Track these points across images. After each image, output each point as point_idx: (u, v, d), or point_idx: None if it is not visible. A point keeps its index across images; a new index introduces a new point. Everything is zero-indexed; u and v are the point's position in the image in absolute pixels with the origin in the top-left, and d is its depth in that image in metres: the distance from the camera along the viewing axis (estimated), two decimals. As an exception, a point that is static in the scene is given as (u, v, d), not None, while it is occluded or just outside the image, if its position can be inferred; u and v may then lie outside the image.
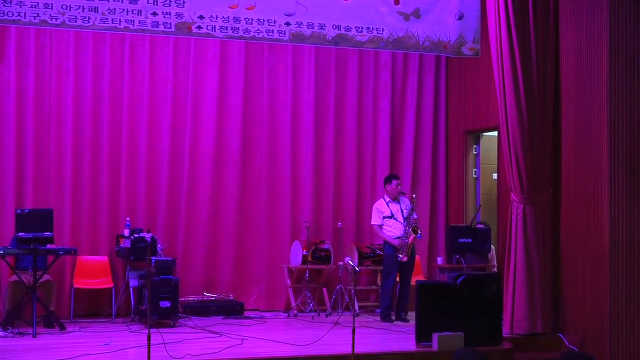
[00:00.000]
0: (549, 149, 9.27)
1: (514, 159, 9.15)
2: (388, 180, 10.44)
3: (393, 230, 10.22)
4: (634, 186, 8.54)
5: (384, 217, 10.27)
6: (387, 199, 10.35)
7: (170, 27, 9.02)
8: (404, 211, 10.24)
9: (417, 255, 10.72)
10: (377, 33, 9.77)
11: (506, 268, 9.25)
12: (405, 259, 10.08)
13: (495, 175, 11.05)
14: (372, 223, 10.49)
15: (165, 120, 10.80)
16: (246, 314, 10.50)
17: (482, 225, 10.82)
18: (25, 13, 8.54)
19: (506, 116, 9.18)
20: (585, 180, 8.86)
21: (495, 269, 10.55)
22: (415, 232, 10.11)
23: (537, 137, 9.16)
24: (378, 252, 10.84)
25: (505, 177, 9.62)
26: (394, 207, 10.29)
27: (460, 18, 10.06)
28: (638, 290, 8.46)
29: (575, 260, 9.01)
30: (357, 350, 7.14)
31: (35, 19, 8.64)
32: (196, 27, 9.11)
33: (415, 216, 10.32)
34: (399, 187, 10.37)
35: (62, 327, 9.08)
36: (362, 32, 9.69)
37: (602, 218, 8.56)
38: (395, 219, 10.23)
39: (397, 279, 10.30)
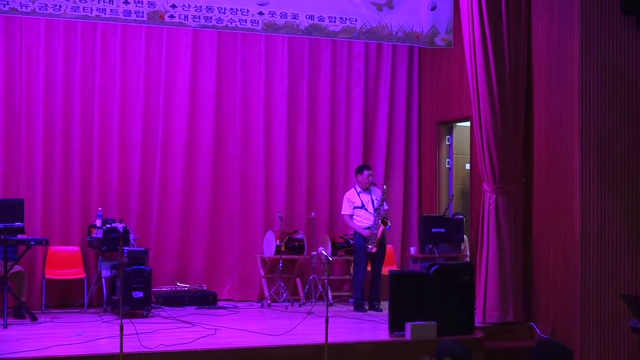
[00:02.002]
0: (521, 139, 9.33)
1: (486, 150, 9.19)
2: (359, 170, 10.45)
3: (363, 220, 10.24)
4: (604, 176, 8.60)
5: (354, 207, 10.29)
6: (358, 189, 10.37)
7: (143, 16, 8.96)
8: (375, 202, 10.25)
9: (389, 245, 10.75)
10: (351, 23, 9.77)
11: (478, 258, 9.31)
12: (374, 249, 10.11)
13: (468, 166, 11.09)
14: (342, 213, 10.52)
15: (137, 111, 10.72)
16: (219, 304, 10.47)
17: (460, 216, 10.88)
18: (-6, 1, 8.44)
19: (478, 107, 9.22)
20: (556, 171, 8.93)
21: (468, 259, 10.60)
22: (384, 223, 10.14)
23: (509, 128, 9.22)
24: (351, 242, 10.84)
25: (477, 168, 9.66)
26: (365, 198, 10.30)
27: (433, 9, 10.08)
28: (608, 280, 8.54)
29: (546, 249, 9.08)
30: (331, 339, 7.14)
31: (4, 6, 8.55)
32: (169, 16, 9.05)
33: (386, 207, 10.34)
34: (371, 178, 10.38)
35: (34, 318, 9.00)
36: (335, 22, 9.69)
37: (573, 208, 8.63)
38: (365, 209, 10.24)
39: (369, 268, 10.33)
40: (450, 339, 4.75)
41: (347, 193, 10.54)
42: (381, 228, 10.12)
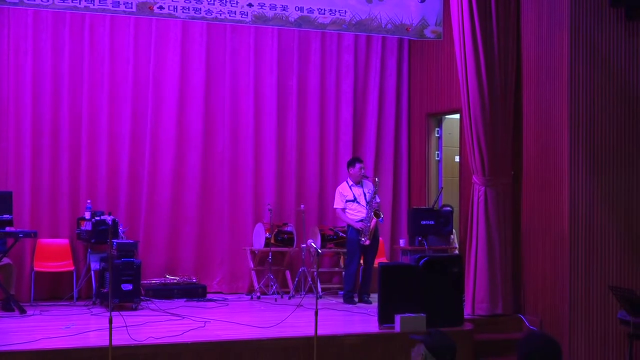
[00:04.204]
0: (510, 131, 9.36)
1: (475, 142, 9.22)
2: (351, 163, 10.46)
3: (356, 213, 10.25)
4: (593, 169, 8.65)
5: (346, 201, 10.30)
6: (350, 182, 10.38)
7: (131, 7, 8.93)
8: (367, 195, 10.26)
9: (380, 238, 10.77)
10: (340, 15, 9.76)
11: (467, 250, 9.35)
12: (367, 242, 10.11)
13: (457, 158, 11.11)
14: (334, 206, 10.51)
15: (126, 102, 10.70)
16: (209, 296, 10.48)
17: (449, 208, 10.92)
18: (-18, -8, 8.41)
19: (468, 99, 9.24)
20: (545, 163, 8.96)
21: (457, 251, 10.64)
22: (377, 215, 10.15)
23: (499, 120, 9.25)
24: (341, 234, 10.88)
25: (467, 160, 9.69)
26: (357, 191, 10.31)
27: (422, 1, 10.08)
28: (597, 272, 8.59)
29: (535, 242, 9.12)
30: (320, 332, 7.17)
31: (-8, -2, 8.51)
32: (158, 8, 9.02)
33: (377, 200, 10.35)
34: (363, 171, 10.39)
35: (22, 311, 8.99)
36: (324, 14, 9.68)
37: (562, 200, 8.67)
38: (358, 202, 10.26)
39: (361, 261, 10.36)
40: (435, 330, 4.76)
41: (339, 187, 10.53)
42: (374, 220, 10.13)
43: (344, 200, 10.31)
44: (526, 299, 9.25)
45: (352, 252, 10.26)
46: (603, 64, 8.72)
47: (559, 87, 8.76)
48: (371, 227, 10.12)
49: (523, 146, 9.35)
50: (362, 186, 10.36)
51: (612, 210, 8.70)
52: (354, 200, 10.28)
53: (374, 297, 9.31)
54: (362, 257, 10.31)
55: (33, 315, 8.95)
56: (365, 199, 10.25)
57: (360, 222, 10.16)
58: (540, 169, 9.05)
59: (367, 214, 10.16)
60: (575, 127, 8.62)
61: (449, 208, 10.97)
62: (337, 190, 10.51)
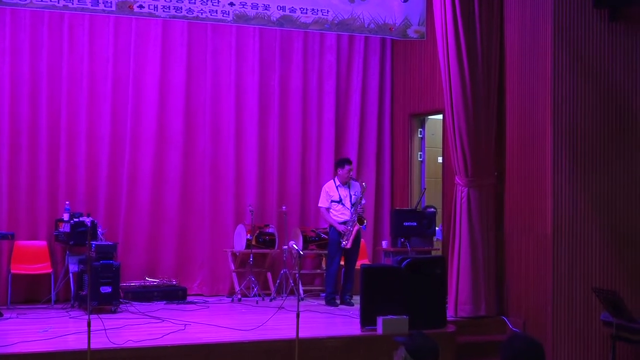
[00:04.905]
0: (493, 132, 9.37)
1: (458, 142, 9.23)
2: (340, 164, 10.43)
3: (339, 215, 10.25)
4: (576, 169, 8.67)
5: (331, 201, 10.28)
6: (337, 183, 10.36)
7: (111, 6, 8.88)
8: (353, 197, 10.25)
9: (362, 240, 10.76)
10: (322, 15, 9.75)
11: (450, 251, 9.35)
12: (348, 245, 10.11)
13: (440, 159, 11.12)
14: (319, 205, 10.51)
15: (105, 102, 10.64)
16: (189, 299, 10.44)
17: (432, 209, 10.92)
18: (-42, -10, 8.33)
19: (451, 99, 9.25)
20: (528, 164, 8.98)
21: (440, 252, 10.63)
22: (360, 222, 10.16)
23: (482, 121, 9.26)
24: (323, 235, 10.86)
25: (450, 161, 9.70)
26: (343, 192, 10.30)
27: (405, 0, 10.07)
28: (580, 273, 8.61)
29: (518, 243, 9.14)
30: (302, 334, 7.14)
31: (-31, -4, 8.43)
32: (138, 7, 8.97)
33: (363, 202, 10.33)
34: (351, 173, 10.38)
35: (-1, 314, 8.94)
36: (307, 13, 9.66)
37: (545, 201, 8.68)
38: (342, 204, 10.25)
39: (342, 262, 10.35)
40: (417, 332, 4.74)
41: (326, 185, 10.53)
42: (357, 227, 10.14)
43: (329, 200, 10.30)
44: (509, 300, 9.26)
45: (332, 253, 10.26)
46: (586, 65, 8.75)
47: (542, 87, 8.78)
48: (353, 232, 10.11)
49: (506, 146, 9.37)
50: (349, 187, 10.35)
51: (596, 210, 8.72)
52: (340, 201, 10.27)
53: (357, 299, 9.29)
54: (343, 259, 10.30)
55: (10, 318, 8.88)
56: (351, 201, 10.24)
57: (343, 225, 10.15)
58: (523, 169, 9.07)
59: (351, 217, 10.15)
60: (558, 126, 8.64)
61: (432, 209, 10.97)
62: (323, 189, 10.49)
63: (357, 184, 10.42)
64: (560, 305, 8.55)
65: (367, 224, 10.65)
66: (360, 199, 10.23)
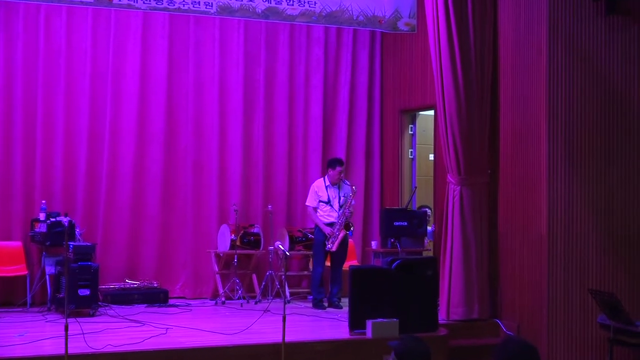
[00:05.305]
0: (486, 129, 9.40)
1: (450, 139, 9.25)
2: (332, 164, 10.41)
3: (326, 216, 10.27)
4: (572, 167, 8.71)
5: (319, 201, 10.29)
6: (327, 182, 10.36)
7: (89, -3, 8.86)
8: (342, 199, 10.27)
9: (350, 240, 10.78)
10: (309, 7, 9.75)
11: (442, 252, 9.37)
12: (333, 248, 10.14)
13: (431, 156, 11.15)
14: (306, 203, 10.53)
15: (83, 97, 10.61)
16: (171, 301, 10.43)
17: (426, 209, 10.95)
18: None
19: (443, 95, 9.26)
20: (523, 161, 9.01)
21: (431, 253, 10.66)
22: (347, 228, 10.19)
23: (475, 117, 9.28)
24: (310, 236, 10.87)
25: (441, 158, 9.72)
26: (332, 193, 10.31)
27: (395, -8, 10.09)
28: (576, 274, 8.65)
29: (513, 243, 9.17)
30: (288, 338, 7.15)
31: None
32: (117, -2, 8.96)
33: (353, 202, 10.34)
34: (342, 175, 10.38)
35: (-27, 318, 8.91)
36: (293, 5, 9.67)
37: (540, 200, 8.72)
38: (331, 205, 10.27)
39: (328, 263, 10.36)
40: (408, 336, 4.76)
41: (315, 183, 10.54)
42: (343, 233, 10.16)
43: (317, 200, 10.31)
44: (503, 303, 9.30)
45: (317, 254, 10.33)
46: (582, 59, 8.79)
47: (537, 82, 8.81)
48: (339, 237, 10.13)
49: (500, 144, 9.39)
50: (339, 188, 10.35)
51: (593, 210, 8.77)
52: (328, 202, 10.28)
53: (345, 301, 9.30)
54: (328, 259, 10.33)
55: (-16, 322, 8.87)
56: (339, 202, 10.25)
57: (329, 227, 10.17)
58: (518, 167, 9.10)
59: (338, 219, 10.17)
60: (553, 123, 8.67)
61: (426, 209, 10.99)
62: (312, 187, 10.51)
63: (348, 186, 10.42)
64: (556, 307, 8.58)
65: (353, 230, 10.67)
66: (350, 204, 10.22)
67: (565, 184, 8.68)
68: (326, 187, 10.35)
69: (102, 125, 10.69)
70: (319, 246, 10.25)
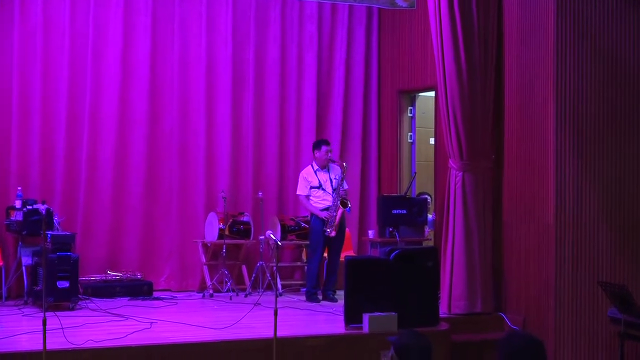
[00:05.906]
0: (490, 111, 9.40)
1: (452, 122, 9.24)
2: (317, 145, 10.44)
3: (320, 201, 10.26)
4: (581, 152, 8.72)
5: (311, 187, 10.29)
6: (316, 167, 10.37)
7: (67, -29, 8.83)
8: (334, 181, 10.27)
9: (347, 229, 10.78)
10: (302, -19, 9.73)
11: (444, 242, 9.38)
12: (333, 233, 10.13)
13: (432, 140, 11.15)
14: (297, 193, 10.52)
15: (62, 78, 10.57)
16: (155, 294, 10.44)
17: (426, 196, 10.95)
18: None
19: (444, 75, 9.25)
20: (529, 146, 9.01)
21: (432, 243, 10.68)
22: (344, 205, 10.16)
23: (478, 99, 9.27)
24: (303, 225, 10.87)
25: (443, 142, 9.71)
26: (323, 176, 10.31)
27: (394, -35, 10.08)
28: (585, 265, 8.67)
29: (518, 232, 9.19)
30: (280, 333, 7.15)
31: None
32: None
33: (346, 187, 10.35)
34: (329, 154, 10.38)
35: (-55, 312, 8.91)
36: (285, -21, 9.63)
37: (547, 187, 8.73)
38: (323, 189, 10.26)
39: (325, 254, 10.37)
40: (407, 330, 4.76)
41: (303, 171, 10.54)
42: (340, 210, 10.14)
43: (308, 187, 10.31)
44: (508, 295, 9.32)
45: (315, 243, 10.27)
46: (591, 39, 8.79)
47: (544, 63, 8.81)
48: (337, 217, 10.13)
49: (505, 127, 9.40)
50: (328, 171, 10.36)
51: (602, 197, 8.78)
52: (319, 186, 10.27)
53: (340, 294, 9.31)
54: (326, 250, 10.33)
55: (-43, 316, 8.87)
56: (332, 185, 10.26)
57: (325, 211, 10.17)
58: (524, 152, 9.10)
59: (334, 202, 10.16)
60: (561, 106, 8.67)
61: (425, 196, 10.99)
62: (300, 175, 10.50)
63: (337, 166, 10.42)
64: (564, 300, 8.61)
65: (351, 207, 10.63)
66: (342, 181, 10.22)
67: (574, 170, 8.69)
68: (315, 171, 10.35)
69: (81, 107, 10.66)
70: (318, 234, 10.22)
